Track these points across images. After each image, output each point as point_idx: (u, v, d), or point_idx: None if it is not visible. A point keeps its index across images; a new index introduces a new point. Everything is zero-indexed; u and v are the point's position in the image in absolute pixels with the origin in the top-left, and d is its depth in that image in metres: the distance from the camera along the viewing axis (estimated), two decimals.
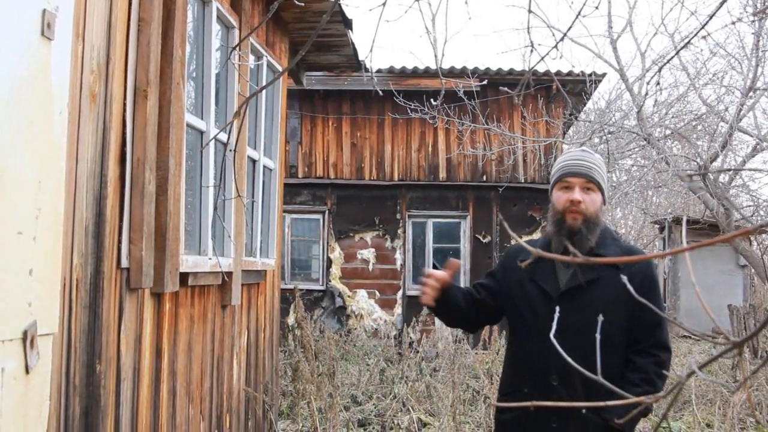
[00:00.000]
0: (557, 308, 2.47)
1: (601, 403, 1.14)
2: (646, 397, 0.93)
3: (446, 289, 3.02)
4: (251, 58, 5.80)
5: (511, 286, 3.08)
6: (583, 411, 2.74)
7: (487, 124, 11.96)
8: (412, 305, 13.53)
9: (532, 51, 2.95)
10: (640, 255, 3.00)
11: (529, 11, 3.04)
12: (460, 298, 3.10)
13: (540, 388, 2.88)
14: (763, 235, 15.34)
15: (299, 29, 6.92)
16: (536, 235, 13.50)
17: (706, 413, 7.75)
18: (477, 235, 13.80)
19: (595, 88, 12.87)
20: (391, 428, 7.09)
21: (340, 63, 8.15)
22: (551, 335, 1.73)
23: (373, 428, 7.23)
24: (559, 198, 2.96)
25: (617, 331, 2.81)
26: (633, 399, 0.96)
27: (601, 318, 2.26)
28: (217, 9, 4.85)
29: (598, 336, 1.70)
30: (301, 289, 9.74)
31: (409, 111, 11.82)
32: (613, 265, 2.84)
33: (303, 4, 3.87)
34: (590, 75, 12.52)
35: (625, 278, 1.37)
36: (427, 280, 3.00)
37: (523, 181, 13.65)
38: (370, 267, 13.93)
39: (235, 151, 4.60)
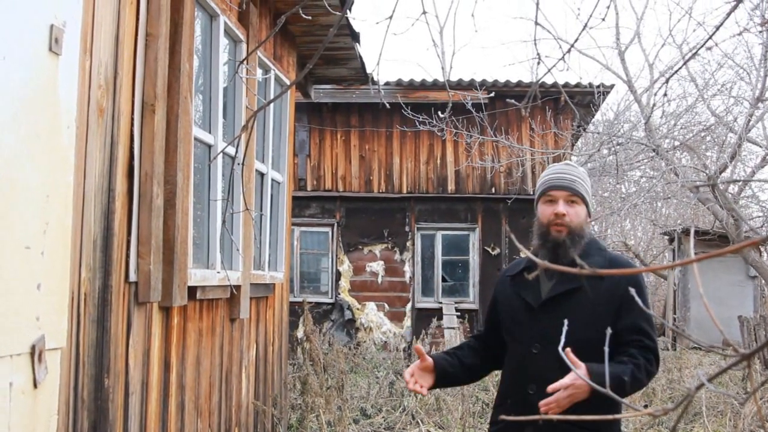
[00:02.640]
0: (544, 319, 2.48)
1: (598, 417, 1.13)
2: (653, 410, 0.91)
3: (433, 368, 3.04)
4: (259, 71, 5.82)
5: (501, 305, 3.13)
6: (555, 421, 2.74)
7: (496, 137, 11.96)
8: (422, 318, 13.52)
9: (539, 63, 2.94)
10: (626, 265, 3.03)
11: (536, 23, 3.04)
12: (453, 361, 3.12)
13: (519, 398, 2.91)
14: None
15: (307, 42, 6.95)
16: None
17: (717, 425, 7.69)
18: (486, 248, 13.78)
19: (604, 100, 12.88)
20: None
21: (347, 76, 8.17)
22: (564, 344, 1.72)
23: None
24: (543, 211, 3.00)
25: (596, 339, 2.78)
26: (645, 411, 0.94)
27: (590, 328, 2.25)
28: (225, 23, 4.87)
29: (606, 348, 1.68)
30: (310, 302, 9.72)
31: (417, 123, 11.81)
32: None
33: (310, 17, 3.88)
34: (598, 86, 12.53)
35: (632, 288, 1.36)
36: (410, 379, 3.02)
37: (531, 193, 13.60)
38: (379, 280, 13.91)
39: (243, 164, 4.61)
